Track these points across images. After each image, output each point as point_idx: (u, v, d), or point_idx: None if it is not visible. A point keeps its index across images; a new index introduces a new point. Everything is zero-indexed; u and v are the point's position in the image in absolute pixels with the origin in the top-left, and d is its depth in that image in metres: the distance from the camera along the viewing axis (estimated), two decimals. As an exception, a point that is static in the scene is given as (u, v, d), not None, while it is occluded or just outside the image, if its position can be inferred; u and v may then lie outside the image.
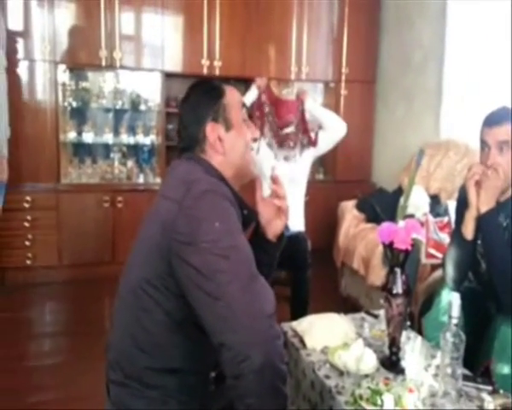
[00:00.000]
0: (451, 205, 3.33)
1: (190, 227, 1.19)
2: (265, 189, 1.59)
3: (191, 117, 1.40)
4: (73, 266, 4.34)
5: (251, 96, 3.32)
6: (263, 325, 1.11)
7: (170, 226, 1.21)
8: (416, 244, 1.77)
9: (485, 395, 1.55)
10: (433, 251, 3.05)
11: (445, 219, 3.24)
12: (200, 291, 1.15)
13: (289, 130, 3.12)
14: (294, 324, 2.02)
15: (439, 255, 2.96)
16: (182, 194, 1.25)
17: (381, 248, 3.59)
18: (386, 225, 1.78)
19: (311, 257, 3.17)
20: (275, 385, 1.12)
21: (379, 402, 1.48)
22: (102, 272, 4.12)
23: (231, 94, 1.44)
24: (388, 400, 1.47)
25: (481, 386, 1.62)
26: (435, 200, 3.78)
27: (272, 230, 1.49)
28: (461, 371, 1.51)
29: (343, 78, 5.13)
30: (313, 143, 3.25)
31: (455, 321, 1.50)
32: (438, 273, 2.86)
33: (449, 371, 1.50)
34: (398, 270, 1.74)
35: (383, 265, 3.45)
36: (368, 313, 2.20)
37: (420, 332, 2.09)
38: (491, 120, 1.91)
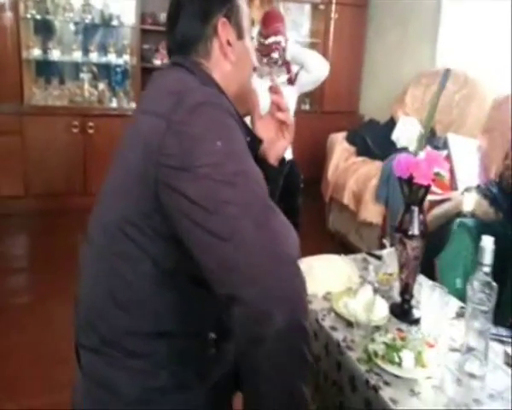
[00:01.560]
0: (452, 138, 3.12)
1: (183, 148, 0.89)
2: None
3: (197, 7, 1.07)
4: (41, 197, 4.04)
5: None
6: (288, 272, 0.83)
7: (155, 148, 0.91)
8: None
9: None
10: (433, 187, 2.84)
11: (444, 153, 3.02)
12: (199, 229, 0.85)
13: (276, 39, 2.82)
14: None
15: (439, 191, 2.77)
16: (170, 106, 0.93)
17: (374, 182, 3.41)
18: (403, 156, 1.56)
19: (302, 182, 3.04)
20: (300, 350, 0.83)
21: (396, 360, 1.28)
22: (73, 203, 3.85)
23: (243, 1, 1.12)
24: (408, 357, 1.28)
25: (505, 339, 1.45)
26: (430, 132, 3.56)
27: (275, 151, 1.19)
28: (489, 325, 1.31)
29: (334, -1, 4.74)
30: (291, 81, 3.00)
31: (486, 269, 1.29)
32: (438, 210, 2.67)
33: (477, 325, 1.30)
34: (415, 208, 1.54)
35: (376, 200, 3.26)
36: (369, 253, 2.00)
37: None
38: None
